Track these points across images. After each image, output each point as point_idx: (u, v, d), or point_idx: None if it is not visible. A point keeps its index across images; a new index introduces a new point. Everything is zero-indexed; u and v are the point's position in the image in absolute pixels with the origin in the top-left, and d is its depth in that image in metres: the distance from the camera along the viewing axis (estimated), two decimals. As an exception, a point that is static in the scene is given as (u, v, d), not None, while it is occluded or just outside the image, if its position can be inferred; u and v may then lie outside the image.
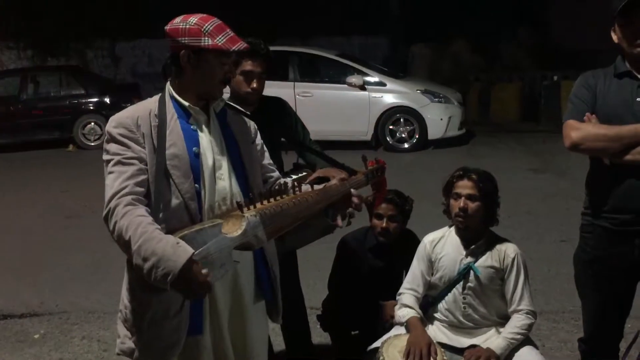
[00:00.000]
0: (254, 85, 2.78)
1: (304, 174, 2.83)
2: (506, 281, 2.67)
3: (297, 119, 3.10)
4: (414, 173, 8.05)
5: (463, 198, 2.64)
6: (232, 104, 2.20)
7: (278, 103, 3.09)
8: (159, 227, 1.81)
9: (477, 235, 2.72)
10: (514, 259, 2.67)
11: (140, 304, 1.93)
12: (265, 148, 2.27)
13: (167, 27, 1.99)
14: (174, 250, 1.67)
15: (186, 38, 1.95)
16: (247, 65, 2.77)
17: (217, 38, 1.93)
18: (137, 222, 1.78)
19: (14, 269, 5.39)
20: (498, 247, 2.71)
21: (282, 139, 3.05)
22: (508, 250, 2.70)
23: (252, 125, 2.22)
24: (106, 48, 15.83)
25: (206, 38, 1.93)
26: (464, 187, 2.66)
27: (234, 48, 1.95)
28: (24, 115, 11.79)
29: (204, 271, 1.68)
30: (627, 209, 2.39)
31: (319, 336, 3.59)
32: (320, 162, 2.92)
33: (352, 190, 2.22)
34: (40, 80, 12.39)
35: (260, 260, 2.14)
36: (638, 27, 2.30)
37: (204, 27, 1.94)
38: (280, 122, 3.00)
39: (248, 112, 2.23)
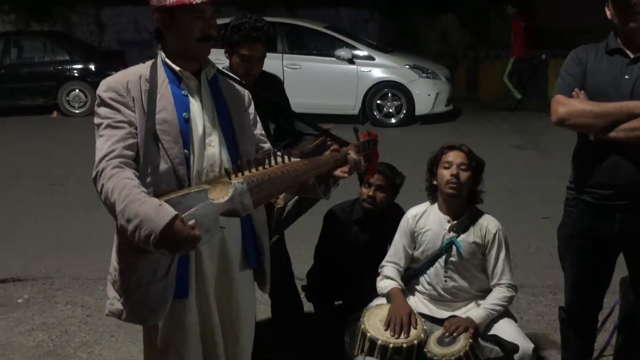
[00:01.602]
0: (250, 70, 2.80)
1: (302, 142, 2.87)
2: (488, 256, 2.72)
3: (285, 96, 3.11)
4: (400, 148, 8.07)
5: (455, 166, 2.67)
6: (225, 71, 2.18)
7: (274, 80, 3.10)
8: (144, 190, 1.82)
9: (461, 211, 2.75)
10: (495, 234, 2.71)
11: (127, 266, 1.94)
12: (258, 118, 2.27)
13: None
14: (156, 211, 1.69)
15: (156, 1, 1.96)
16: (245, 49, 2.78)
17: None
18: (122, 184, 1.79)
19: (-2, 234, 5.38)
20: (480, 222, 2.75)
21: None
22: (490, 225, 2.74)
23: (246, 94, 2.21)
24: (91, 14, 15.54)
25: None
26: (456, 156, 2.70)
27: (196, 1, 1.91)
28: (7, 80, 11.59)
29: (190, 222, 1.69)
30: (609, 185, 2.43)
31: (304, 306, 3.64)
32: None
33: (351, 153, 2.24)
34: (23, 45, 12.14)
35: (248, 228, 2.15)
36: (631, 3, 2.31)
37: None
38: (274, 98, 3.00)
39: (243, 81, 2.21)
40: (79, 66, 11.84)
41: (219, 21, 2.07)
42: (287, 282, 3.25)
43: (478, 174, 2.74)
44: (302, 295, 3.51)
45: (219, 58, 2.77)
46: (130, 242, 1.77)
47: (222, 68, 2.90)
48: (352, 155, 2.24)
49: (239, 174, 1.83)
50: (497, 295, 2.68)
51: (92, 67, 11.79)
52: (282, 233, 3.14)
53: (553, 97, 2.51)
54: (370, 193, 3.12)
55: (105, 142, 1.89)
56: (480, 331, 2.58)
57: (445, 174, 2.69)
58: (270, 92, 2.96)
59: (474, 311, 2.65)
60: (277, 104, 2.93)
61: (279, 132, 3.00)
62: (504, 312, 2.70)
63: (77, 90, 11.63)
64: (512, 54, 11.42)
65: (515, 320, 2.77)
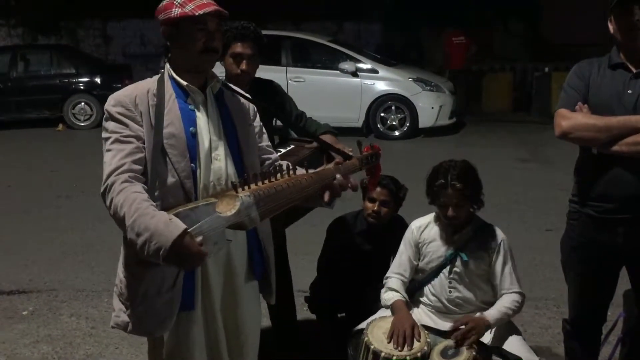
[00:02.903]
0: (243, 67, 2.84)
1: (292, 147, 2.91)
2: (493, 266, 2.72)
3: (287, 99, 3.17)
4: (404, 160, 8.09)
5: (450, 208, 2.65)
6: (231, 85, 2.21)
7: (269, 85, 3.15)
8: (153, 203, 1.84)
9: (464, 222, 2.76)
10: (500, 244, 2.72)
11: (134, 278, 1.96)
12: (264, 130, 2.29)
13: (155, 11, 2.04)
14: (166, 225, 1.71)
15: (162, 14, 2.00)
16: (236, 48, 2.83)
17: (187, 7, 1.96)
18: (132, 198, 1.81)
19: (3, 246, 5.40)
20: (484, 233, 2.75)
21: (275, 119, 3.13)
22: (494, 235, 2.74)
23: (252, 107, 2.24)
24: (97, 28, 15.68)
25: (176, 9, 1.97)
26: (451, 197, 2.64)
27: (199, 12, 1.95)
28: (13, 93, 11.69)
29: (198, 239, 1.71)
30: (611, 198, 2.44)
31: (306, 318, 3.65)
32: (320, 129, 3.03)
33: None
34: (30, 59, 12.26)
35: (254, 241, 2.17)
36: (634, 20, 2.33)
37: None
38: (272, 104, 3.05)
39: (248, 95, 2.25)
40: (85, 79, 11.94)
41: None
42: (287, 297, 3.27)
43: (474, 194, 2.70)
44: (305, 308, 3.52)
45: (222, 72, 2.83)
46: (139, 255, 1.78)
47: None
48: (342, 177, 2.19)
49: (246, 188, 1.85)
50: (509, 299, 2.67)
51: (98, 80, 11.88)
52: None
53: (556, 110, 2.53)
54: (375, 208, 3.14)
55: (114, 157, 1.91)
56: (492, 326, 2.58)
57: (443, 212, 2.70)
58: (266, 96, 3.02)
59: (487, 311, 2.64)
60: (276, 106, 3.01)
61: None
62: (513, 329, 2.70)
63: (82, 103, 11.71)
64: (445, 66, 12.30)
65: (520, 333, 2.77)
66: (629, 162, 2.37)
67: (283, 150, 2.94)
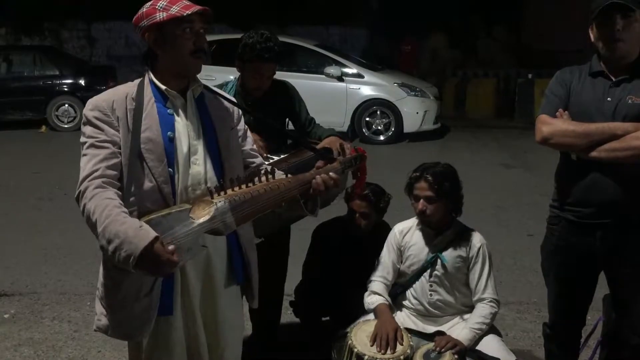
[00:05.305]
0: (263, 82, 2.99)
1: (286, 155, 2.93)
2: (471, 270, 2.75)
3: (301, 102, 3.28)
4: (389, 165, 8.12)
5: (421, 200, 2.72)
6: (214, 88, 2.21)
7: (284, 86, 3.23)
8: (125, 210, 1.83)
9: (444, 226, 2.79)
10: (479, 249, 2.75)
11: (113, 283, 1.96)
12: (248, 134, 2.28)
13: (133, 20, 2.03)
14: (136, 233, 1.70)
15: (145, 20, 1.98)
16: (259, 68, 2.93)
17: (171, 9, 1.95)
18: (104, 204, 1.81)
19: (-16, 249, 5.35)
20: (465, 237, 2.79)
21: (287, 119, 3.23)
22: (474, 240, 2.78)
23: (236, 110, 2.22)
24: (82, 29, 15.58)
25: (161, 13, 1.95)
26: (421, 189, 2.72)
27: (187, 12, 1.94)
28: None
29: (170, 247, 1.70)
30: (589, 203, 2.48)
31: (291, 321, 3.65)
32: (325, 133, 3.13)
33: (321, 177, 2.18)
34: (13, 60, 12.14)
35: (235, 246, 2.16)
36: (615, 30, 2.37)
37: (158, 4, 1.97)
38: (284, 104, 3.15)
39: (231, 98, 2.25)
40: (69, 81, 11.84)
41: (211, 37, 2.11)
42: (275, 300, 3.27)
43: (449, 197, 2.74)
44: (289, 312, 3.53)
45: (209, 75, 2.84)
46: (111, 262, 1.78)
47: (234, 78, 3.01)
48: (320, 177, 2.14)
49: (222, 193, 1.84)
50: (481, 313, 2.70)
51: (82, 81, 11.80)
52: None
53: (537, 116, 2.57)
54: (356, 221, 3.17)
55: (89, 162, 1.91)
56: (467, 350, 2.59)
57: (415, 206, 2.76)
58: (281, 98, 3.11)
59: (460, 332, 2.65)
60: (288, 109, 3.14)
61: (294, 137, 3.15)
62: (490, 328, 2.72)
63: (66, 105, 11.62)
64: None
65: (500, 335, 2.80)
66: (607, 168, 2.41)
67: (276, 158, 2.93)
